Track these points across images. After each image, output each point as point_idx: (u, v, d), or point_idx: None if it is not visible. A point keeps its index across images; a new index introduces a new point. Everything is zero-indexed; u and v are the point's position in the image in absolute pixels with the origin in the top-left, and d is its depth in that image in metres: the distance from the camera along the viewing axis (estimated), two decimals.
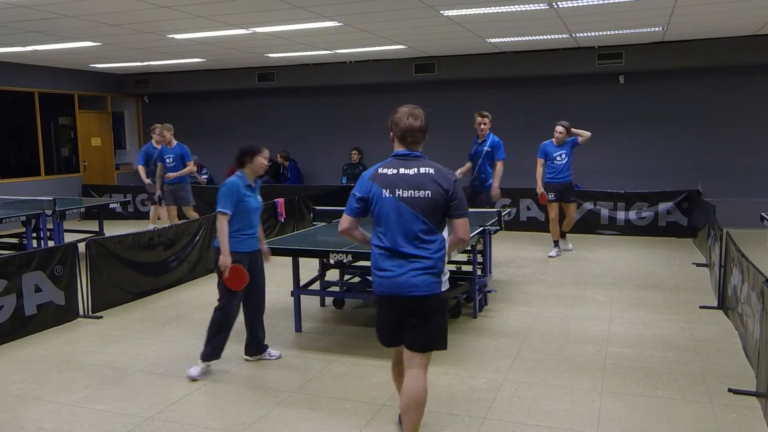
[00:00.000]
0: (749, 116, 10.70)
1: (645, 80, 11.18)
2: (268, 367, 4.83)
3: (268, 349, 4.98)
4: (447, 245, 3.33)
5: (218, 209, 4.48)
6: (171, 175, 9.36)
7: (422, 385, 3.29)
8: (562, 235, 9.01)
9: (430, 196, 3.18)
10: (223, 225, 4.47)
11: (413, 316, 3.26)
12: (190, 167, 9.56)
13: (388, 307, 3.34)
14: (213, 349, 4.64)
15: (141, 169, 10.02)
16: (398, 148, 3.32)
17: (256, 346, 4.91)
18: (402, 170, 3.24)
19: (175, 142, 9.52)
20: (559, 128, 8.55)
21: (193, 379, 4.55)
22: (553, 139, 8.60)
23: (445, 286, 3.30)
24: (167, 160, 9.43)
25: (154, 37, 9.20)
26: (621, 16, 8.21)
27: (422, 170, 3.23)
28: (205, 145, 13.43)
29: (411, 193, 3.20)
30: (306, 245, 5.79)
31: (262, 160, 4.58)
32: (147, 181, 9.94)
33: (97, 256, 6.36)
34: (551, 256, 8.69)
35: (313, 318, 6.10)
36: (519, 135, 12.00)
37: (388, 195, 3.23)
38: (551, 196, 8.60)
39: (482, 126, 7.81)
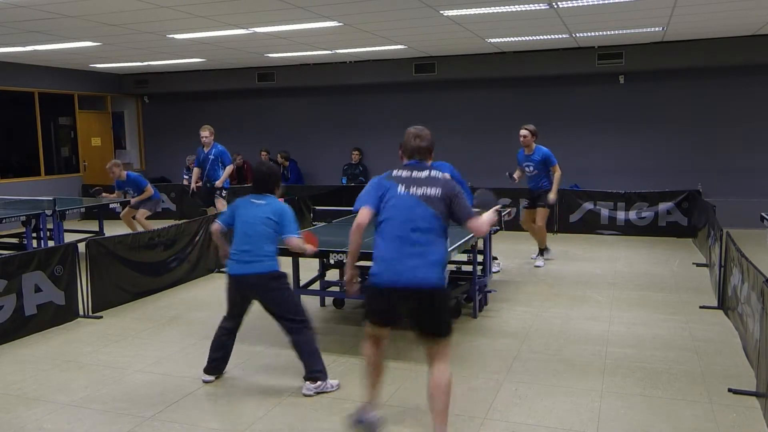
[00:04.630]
0: (749, 116, 10.70)
1: (645, 80, 11.18)
2: (269, 367, 4.83)
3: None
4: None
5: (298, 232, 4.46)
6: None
7: None
8: (540, 252, 8.41)
9: (440, 194, 3.49)
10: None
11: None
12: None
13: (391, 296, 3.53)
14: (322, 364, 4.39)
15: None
16: (407, 161, 3.67)
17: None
18: (415, 173, 3.58)
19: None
20: (522, 132, 8.03)
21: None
22: (524, 148, 8.11)
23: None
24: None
25: (154, 37, 9.20)
26: (621, 16, 8.21)
27: (433, 173, 3.59)
28: None
29: (424, 191, 3.50)
30: None
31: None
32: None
33: (97, 256, 6.36)
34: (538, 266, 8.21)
35: (313, 318, 6.08)
36: (518, 135, 12.01)
37: (403, 191, 3.51)
38: (525, 203, 8.33)
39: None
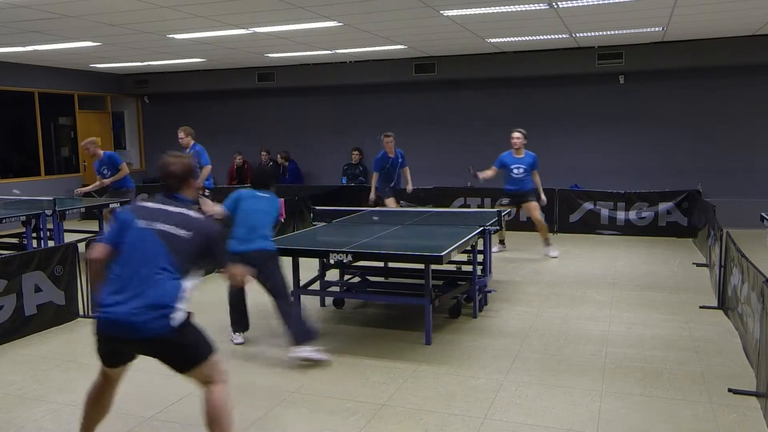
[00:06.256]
0: (749, 116, 10.70)
1: (645, 80, 11.18)
2: (268, 367, 4.83)
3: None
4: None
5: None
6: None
7: None
8: (546, 242, 8.87)
9: (189, 237, 3.10)
10: None
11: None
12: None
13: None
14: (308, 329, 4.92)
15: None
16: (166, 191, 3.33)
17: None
18: (164, 206, 3.20)
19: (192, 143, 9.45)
20: (516, 134, 8.54)
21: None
22: (512, 150, 8.61)
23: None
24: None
25: (154, 37, 9.21)
26: (621, 16, 8.21)
27: (186, 211, 3.20)
28: (204, 145, 13.36)
29: (166, 227, 3.09)
30: (306, 245, 5.79)
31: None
32: None
33: None
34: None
35: (313, 318, 6.10)
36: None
37: (140, 225, 3.10)
38: (504, 200, 8.75)
39: (390, 145, 9.24)
